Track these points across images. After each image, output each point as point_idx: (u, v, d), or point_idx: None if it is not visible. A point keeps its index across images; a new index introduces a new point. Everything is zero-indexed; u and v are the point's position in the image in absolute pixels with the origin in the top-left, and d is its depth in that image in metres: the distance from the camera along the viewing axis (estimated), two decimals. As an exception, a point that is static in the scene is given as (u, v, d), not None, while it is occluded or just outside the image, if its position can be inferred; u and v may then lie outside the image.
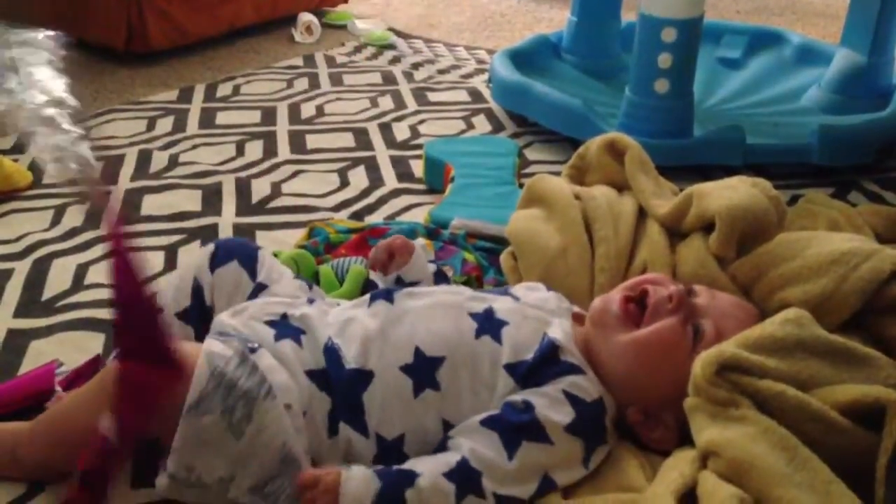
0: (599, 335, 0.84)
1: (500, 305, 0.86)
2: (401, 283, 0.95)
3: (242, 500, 0.76)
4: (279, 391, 0.76)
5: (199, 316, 0.90)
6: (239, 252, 0.93)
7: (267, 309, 0.86)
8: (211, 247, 0.93)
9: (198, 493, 0.77)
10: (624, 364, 0.82)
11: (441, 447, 0.78)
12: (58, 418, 0.81)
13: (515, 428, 0.77)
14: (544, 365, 0.81)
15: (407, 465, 0.76)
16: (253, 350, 0.79)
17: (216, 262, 0.91)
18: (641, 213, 1.07)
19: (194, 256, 0.94)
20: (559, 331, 0.84)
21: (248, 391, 0.75)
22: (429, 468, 0.75)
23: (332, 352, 0.82)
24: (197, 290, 0.91)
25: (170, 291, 0.92)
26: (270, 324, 0.84)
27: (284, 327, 0.83)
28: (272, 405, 0.75)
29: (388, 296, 0.87)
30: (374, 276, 1.03)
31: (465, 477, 0.74)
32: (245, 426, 0.74)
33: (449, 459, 0.76)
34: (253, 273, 0.91)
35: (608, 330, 0.84)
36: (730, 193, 0.99)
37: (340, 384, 0.80)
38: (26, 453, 0.81)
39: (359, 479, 0.73)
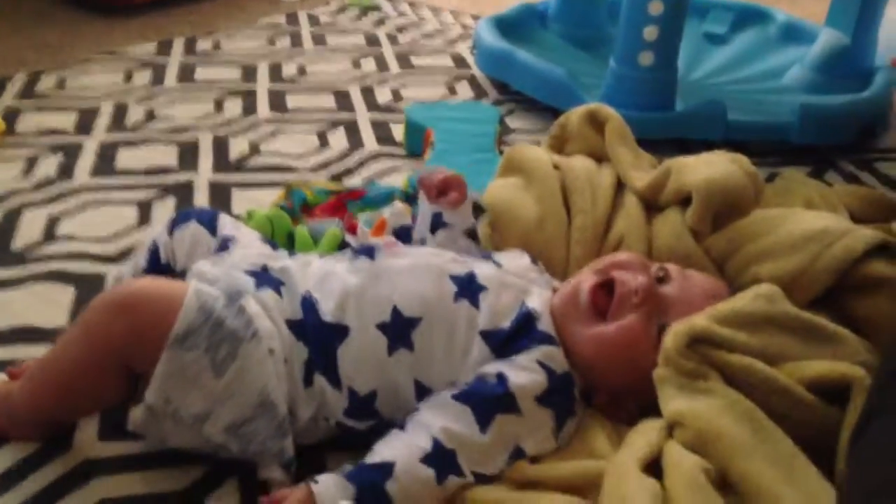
0: (567, 320, 0.84)
1: (482, 271, 0.86)
2: (438, 218, 0.96)
3: (216, 439, 0.76)
4: (264, 335, 0.77)
5: (152, 272, 0.91)
6: (197, 214, 0.93)
7: (248, 259, 0.86)
8: (172, 215, 0.94)
9: (171, 428, 0.77)
10: (587, 354, 0.82)
11: (405, 423, 0.77)
12: (48, 363, 0.80)
13: (488, 401, 0.77)
14: (520, 334, 0.82)
15: (376, 456, 0.74)
16: (239, 294, 0.79)
17: (174, 225, 0.92)
18: (620, 186, 1.07)
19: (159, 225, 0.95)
20: (538, 300, 0.84)
21: (235, 331, 0.75)
22: (403, 456, 0.73)
23: (308, 303, 0.82)
24: (154, 252, 0.91)
25: (133, 259, 0.95)
26: (251, 273, 0.83)
27: (265, 277, 0.83)
28: (257, 348, 0.76)
29: (370, 253, 0.87)
30: (350, 238, 1.03)
31: (441, 459, 0.74)
32: (228, 365, 0.74)
33: (421, 443, 0.74)
34: (213, 230, 0.91)
35: (575, 319, 0.83)
36: (708, 168, 0.99)
37: (316, 336, 0.80)
38: (21, 406, 0.80)
39: (331, 487, 0.71)
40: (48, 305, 1.01)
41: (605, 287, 0.84)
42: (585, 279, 0.86)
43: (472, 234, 0.99)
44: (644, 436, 0.75)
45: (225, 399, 0.75)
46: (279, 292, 0.82)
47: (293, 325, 0.81)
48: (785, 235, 0.93)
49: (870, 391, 0.68)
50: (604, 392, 0.84)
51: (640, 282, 0.83)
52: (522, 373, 0.79)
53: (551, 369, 0.80)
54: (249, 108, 1.60)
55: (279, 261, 0.87)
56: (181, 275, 0.88)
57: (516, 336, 0.82)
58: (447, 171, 0.98)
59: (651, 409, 0.78)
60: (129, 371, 0.77)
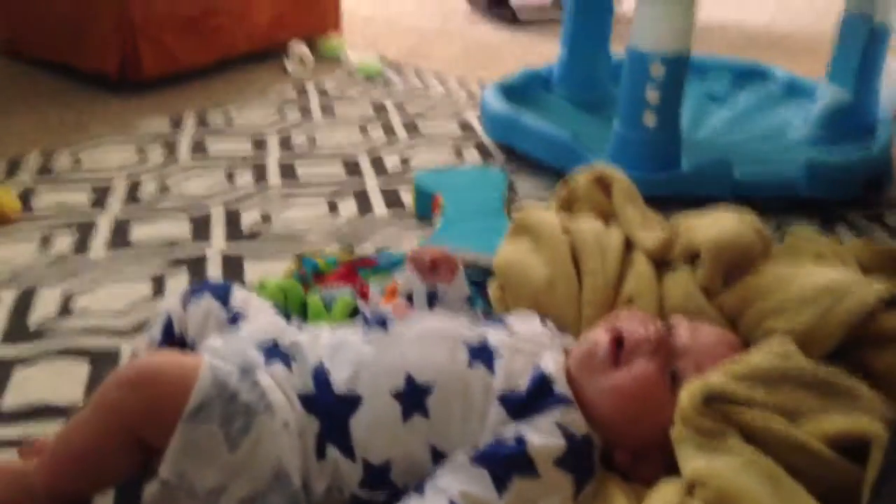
0: (584, 378, 0.84)
1: (494, 336, 0.86)
2: (433, 294, 0.97)
3: None
4: (278, 408, 0.77)
5: (166, 344, 0.92)
6: (211, 287, 0.95)
7: (257, 335, 0.86)
8: (185, 287, 0.95)
9: (187, 503, 0.76)
10: (606, 409, 0.82)
11: (422, 487, 0.77)
12: (63, 439, 0.80)
13: (505, 462, 0.76)
14: (537, 397, 0.81)
15: None
16: (252, 368, 0.80)
17: (189, 298, 0.93)
18: (628, 245, 1.07)
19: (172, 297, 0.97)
20: (551, 363, 0.84)
21: (249, 404, 0.76)
22: None
23: (320, 375, 0.82)
24: (168, 325, 0.93)
25: (148, 332, 0.96)
26: (260, 348, 0.84)
27: (275, 352, 0.84)
28: (271, 420, 0.76)
29: (383, 323, 0.88)
30: (362, 304, 1.04)
31: None
32: (242, 439, 0.75)
33: None
34: (226, 303, 0.92)
35: (591, 374, 0.83)
36: (716, 226, 1.00)
37: (328, 409, 0.80)
38: (38, 483, 0.80)
39: None
40: (64, 382, 1.01)
41: (618, 342, 0.84)
42: (598, 335, 0.86)
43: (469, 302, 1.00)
44: (663, 497, 0.74)
45: (240, 472, 0.75)
46: (289, 367, 0.83)
47: (304, 399, 0.81)
48: (797, 290, 0.92)
49: (886, 448, 0.68)
50: (625, 451, 0.83)
51: (651, 331, 0.83)
52: (541, 434, 0.78)
53: (571, 432, 0.79)
54: (260, 179, 1.62)
55: (289, 335, 0.87)
56: (193, 346, 0.89)
57: (533, 398, 0.81)
58: (436, 251, 0.99)
59: (675, 465, 0.77)
60: (144, 446, 0.77)
